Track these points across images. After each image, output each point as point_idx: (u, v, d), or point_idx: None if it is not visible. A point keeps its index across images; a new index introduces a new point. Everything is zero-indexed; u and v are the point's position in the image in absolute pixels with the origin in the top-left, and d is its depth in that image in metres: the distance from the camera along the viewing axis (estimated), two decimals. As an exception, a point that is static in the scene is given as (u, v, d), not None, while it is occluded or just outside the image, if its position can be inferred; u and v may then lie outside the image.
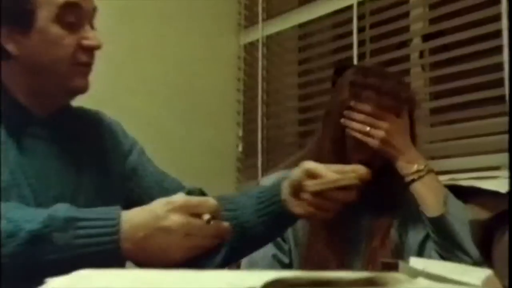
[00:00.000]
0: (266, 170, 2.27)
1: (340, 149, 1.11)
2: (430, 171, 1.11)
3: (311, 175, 0.86)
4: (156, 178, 0.99)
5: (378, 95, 1.10)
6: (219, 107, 2.24)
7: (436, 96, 1.80)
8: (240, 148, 2.40)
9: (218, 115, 2.24)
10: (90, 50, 0.95)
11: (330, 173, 0.83)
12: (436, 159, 1.67)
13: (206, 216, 0.72)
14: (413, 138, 1.16)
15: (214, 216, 0.71)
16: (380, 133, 1.09)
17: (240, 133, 2.40)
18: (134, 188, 0.96)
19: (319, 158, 0.92)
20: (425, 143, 1.52)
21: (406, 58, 1.91)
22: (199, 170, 2.06)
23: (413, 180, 1.10)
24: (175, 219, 0.73)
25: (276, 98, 2.36)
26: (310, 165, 0.85)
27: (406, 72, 1.87)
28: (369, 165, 0.88)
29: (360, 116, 1.11)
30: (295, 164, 0.91)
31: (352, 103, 1.12)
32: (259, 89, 2.34)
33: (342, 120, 1.11)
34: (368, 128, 1.09)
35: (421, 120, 1.39)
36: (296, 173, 0.87)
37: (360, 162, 0.90)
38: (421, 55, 1.84)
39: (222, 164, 2.28)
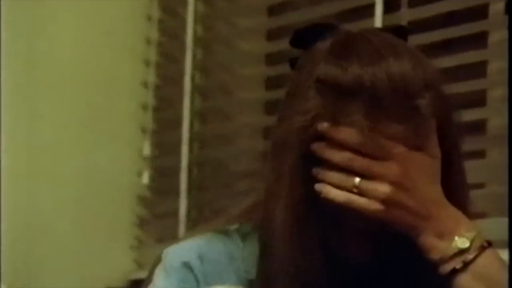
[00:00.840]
0: (194, 223, 1.87)
1: (305, 216, 0.79)
2: (483, 247, 0.77)
3: None
4: None
5: (376, 103, 0.76)
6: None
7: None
8: (145, 179, 1.94)
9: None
10: None
11: None
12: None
13: None
14: (452, 185, 0.80)
15: None
16: (382, 189, 0.76)
17: (146, 151, 1.96)
18: None
19: (269, 227, 0.78)
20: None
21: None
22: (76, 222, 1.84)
23: (454, 271, 0.77)
24: None
25: (219, 94, 1.99)
26: None
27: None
28: (377, 235, 0.77)
29: (341, 156, 0.77)
30: (241, 218, 0.81)
31: (323, 127, 0.77)
32: (186, 80, 1.90)
33: (314, 171, 0.79)
34: (357, 180, 0.77)
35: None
36: None
37: (359, 233, 0.77)
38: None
39: (115, 209, 1.92)
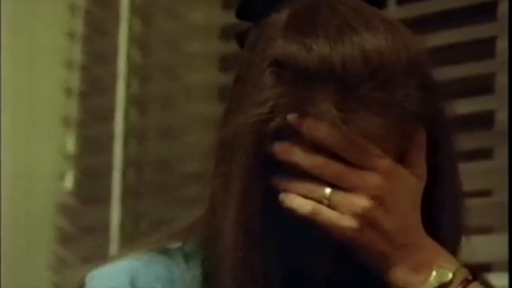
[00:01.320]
0: (129, 238, 1.82)
1: (260, 234, 0.80)
2: (468, 281, 0.79)
3: None
4: None
5: (349, 89, 0.76)
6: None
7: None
8: (68, 183, 1.92)
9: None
10: None
11: None
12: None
13: None
14: (437, 215, 0.81)
15: None
16: (359, 202, 0.77)
17: (70, 148, 1.94)
18: None
19: (215, 247, 0.79)
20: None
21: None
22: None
23: None
24: None
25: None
26: None
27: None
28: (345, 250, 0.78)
29: (310, 161, 0.78)
30: (185, 235, 0.83)
31: (291, 118, 0.77)
32: (120, 58, 1.86)
33: (275, 180, 0.80)
34: (327, 191, 0.77)
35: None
36: None
37: (325, 249, 0.78)
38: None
39: (30, 219, 1.87)
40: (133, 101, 1.84)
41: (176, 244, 0.80)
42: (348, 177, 0.75)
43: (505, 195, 1.35)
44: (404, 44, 0.76)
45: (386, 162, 0.74)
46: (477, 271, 0.77)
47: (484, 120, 1.42)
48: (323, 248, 0.77)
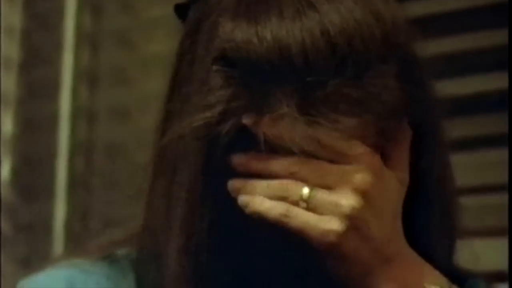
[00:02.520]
0: (76, 238, 1.78)
1: (213, 263, 0.78)
2: None
3: None
4: None
5: (313, 85, 0.74)
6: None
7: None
8: (4, 172, 1.87)
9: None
10: None
11: None
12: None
13: None
14: (425, 209, 0.82)
15: None
16: (346, 201, 0.76)
17: (7, 129, 1.88)
18: None
19: (159, 268, 0.78)
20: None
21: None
22: None
23: None
24: None
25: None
26: None
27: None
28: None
29: (282, 164, 0.76)
30: (129, 241, 0.79)
31: (248, 120, 0.75)
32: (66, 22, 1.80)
33: (229, 185, 0.77)
34: (305, 191, 0.76)
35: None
36: None
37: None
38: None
39: None
40: (82, 75, 1.80)
41: (123, 250, 0.78)
42: (329, 173, 0.73)
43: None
44: (378, 18, 0.73)
45: (371, 156, 0.72)
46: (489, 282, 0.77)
47: (500, 100, 1.36)
48: (288, 268, 0.76)
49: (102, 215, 1.80)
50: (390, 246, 0.75)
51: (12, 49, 1.85)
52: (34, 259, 1.77)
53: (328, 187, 0.72)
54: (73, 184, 1.85)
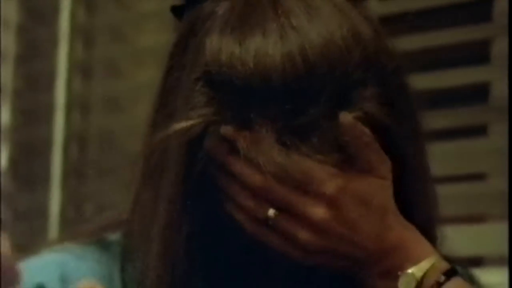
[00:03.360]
0: (72, 224, 1.79)
1: (188, 275, 0.79)
2: (439, 284, 0.78)
3: None
4: None
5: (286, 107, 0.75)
6: None
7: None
8: (2, 161, 1.87)
9: None
10: None
11: None
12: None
13: None
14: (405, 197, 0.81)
15: None
16: (302, 236, 0.77)
17: (5, 119, 1.90)
18: None
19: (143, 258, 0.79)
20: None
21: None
22: None
23: None
24: None
25: None
26: None
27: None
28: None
29: (254, 179, 0.77)
30: (120, 226, 0.80)
31: (226, 131, 0.75)
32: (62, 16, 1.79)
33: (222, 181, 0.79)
34: (270, 212, 0.76)
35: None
36: None
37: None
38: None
39: None
40: (76, 67, 1.79)
41: (114, 235, 0.79)
42: (293, 202, 0.74)
43: (501, 179, 1.32)
44: (359, 41, 0.72)
45: (317, 212, 0.73)
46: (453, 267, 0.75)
47: (478, 93, 1.39)
48: (270, 277, 0.77)
49: (95, 201, 1.80)
50: (384, 239, 0.76)
51: (9, 43, 1.84)
52: (31, 244, 1.74)
53: (293, 213, 0.74)
54: (67, 172, 1.85)
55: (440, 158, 1.52)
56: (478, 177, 1.41)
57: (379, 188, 0.75)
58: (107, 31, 1.85)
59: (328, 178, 0.72)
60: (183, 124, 0.72)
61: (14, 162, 1.88)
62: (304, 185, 0.72)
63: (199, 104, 0.71)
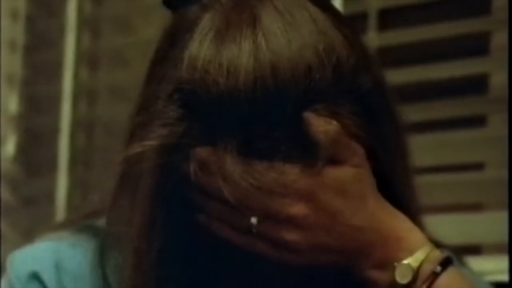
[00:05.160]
0: (78, 209, 1.62)
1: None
2: (435, 274, 0.78)
3: None
4: None
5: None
6: None
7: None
8: (9, 148, 1.87)
9: None
10: None
11: None
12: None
13: None
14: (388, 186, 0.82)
15: None
16: (289, 237, 0.78)
17: (14, 108, 1.90)
18: None
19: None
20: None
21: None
22: None
23: None
24: None
25: None
26: None
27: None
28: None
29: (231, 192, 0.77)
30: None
31: (202, 155, 0.75)
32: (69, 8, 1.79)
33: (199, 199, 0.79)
34: (253, 220, 0.77)
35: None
36: None
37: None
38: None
39: None
40: (83, 56, 1.79)
41: (102, 221, 0.79)
42: (273, 206, 0.73)
43: (499, 169, 1.33)
44: (331, 57, 0.71)
45: (298, 210, 0.72)
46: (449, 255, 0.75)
47: (477, 84, 1.39)
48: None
49: (101, 189, 1.75)
50: (373, 229, 0.76)
51: (17, 33, 1.85)
52: (37, 231, 1.73)
53: (274, 217, 0.73)
54: (74, 159, 1.83)
55: (441, 148, 1.51)
56: (477, 166, 1.40)
57: (354, 176, 0.74)
58: (114, 21, 1.82)
59: (299, 176, 0.71)
60: (152, 142, 0.72)
61: (22, 149, 1.87)
62: (279, 189, 0.71)
63: (170, 121, 0.72)
